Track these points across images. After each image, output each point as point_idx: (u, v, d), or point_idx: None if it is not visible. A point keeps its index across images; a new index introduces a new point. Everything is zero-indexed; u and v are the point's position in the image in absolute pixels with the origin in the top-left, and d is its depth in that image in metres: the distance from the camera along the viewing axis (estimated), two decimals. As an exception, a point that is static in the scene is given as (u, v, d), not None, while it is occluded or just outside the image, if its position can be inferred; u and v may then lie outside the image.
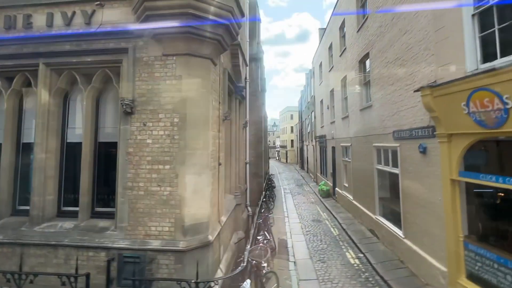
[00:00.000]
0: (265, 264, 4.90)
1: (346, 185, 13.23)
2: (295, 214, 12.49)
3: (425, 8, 6.07)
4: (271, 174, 23.81)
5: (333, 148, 16.18)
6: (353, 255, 7.74)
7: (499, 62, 4.33)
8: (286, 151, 59.94)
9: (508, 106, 4.04)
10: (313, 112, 25.04)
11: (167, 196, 4.86)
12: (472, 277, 4.93)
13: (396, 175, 7.51)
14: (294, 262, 7.30)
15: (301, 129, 38.70)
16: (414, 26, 6.57)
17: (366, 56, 10.13)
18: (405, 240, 6.95)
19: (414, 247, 6.52)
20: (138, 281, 4.43)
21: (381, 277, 6.41)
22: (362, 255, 7.71)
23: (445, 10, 5.49)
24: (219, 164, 6.08)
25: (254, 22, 12.99)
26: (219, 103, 6.20)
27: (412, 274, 6.37)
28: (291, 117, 60.08)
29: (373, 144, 9.20)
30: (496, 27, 4.49)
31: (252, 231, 7.24)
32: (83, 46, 5.31)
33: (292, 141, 57.87)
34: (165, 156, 4.93)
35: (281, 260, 7.36)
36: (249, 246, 5.45)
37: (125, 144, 5.04)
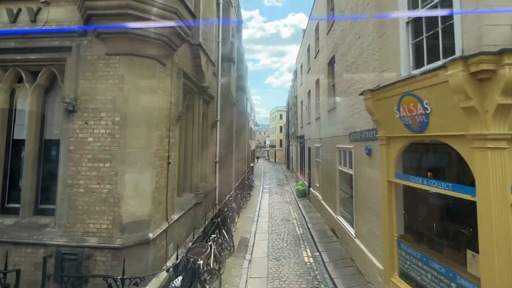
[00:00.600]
0: (201, 262, 4.97)
1: (318, 185, 13.43)
2: (267, 214, 12.62)
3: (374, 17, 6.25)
4: (251, 174, 23.90)
5: (309, 148, 16.39)
6: (309, 254, 7.90)
7: (426, 68, 4.51)
8: (275, 151, 60.17)
9: (428, 112, 4.22)
10: (296, 113, 25.26)
11: (106, 193, 4.92)
12: (403, 275, 5.13)
13: (352, 176, 7.70)
14: (250, 261, 7.41)
15: (288, 129, 38.91)
16: (365, 31, 6.75)
17: (333, 59, 10.31)
18: (356, 240, 7.13)
19: (362, 246, 6.71)
20: (72, 278, 4.48)
21: (329, 275, 6.57)
22: (318, 254, 7.88)
23: (387, 18, 5.66)
24: (169, 163, 6.15)
25: (228, 21, 13.02)
26: (171, 102, 6.26)
27: (358, 272, 6.56)
28: (280, 117, 60.24)
29: (336, 145, 9.38)
30: (424, 34, 4.68)
31: (202, 229, 7.28)
32: (28, 43, 5.33)
33: (281, 140, 58.07)
34: (106, 154, 4.99)
35: (237, 259, 7.46)
36: (190, 244, 5.51)
37: (67, 142, 5.08)
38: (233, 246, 7.97)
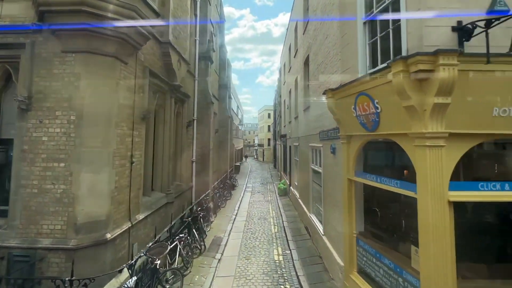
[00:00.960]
0: (159, 262, 4.93)
1: (296, 183, 13.54)
2: (245, 213, 12.63)
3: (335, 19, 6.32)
4: (235, 173, 23.85)
5: (290, 147, 16.49)
6: (280, 252, 7.96)
7: (378, 68, 4.60)
8: (263, 150, 60.27)
9: (378, 111, 4.30)
10: (280, 111, 25.36)
11: (60, 194, 4.82)
12: (361, 271, 5.22)
13: (321, 174, 7.79)
14: (219, 260, 7.41)
15: (275, 128, 39.02)
16: (331, 31, 6.83)
17: (308, 58, 10.39)
18: (324, 237, 7.22)
19: (328, 244, 6.80)
20: (21, 280, 4.38)
21: (296, 273, 6.63)
22: (289, 252, 7.94)
23: (348, 17, 5.74)
24: (132, 162, 6.08)
25: (206, 21, 12.95)
26: (134, 101, 6.18)
27: (324, 270, 6.64)
28: (268, 116, 60.38)
29: (309, 144, 9.47)
30: (379, 35, 4.76)
31: (167, 229, 7.19)
32: (-19, 39, 5.18)
33: (269, 139, 58.21)
34: (61, 154, 4.89)
35: (206, 258, 7.45)
36: (150, 244, 5.46)
37: (20, 141, 4.96)
38: (204, 246, 7.94)
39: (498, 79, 3.38)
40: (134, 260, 4.76)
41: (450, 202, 3.42)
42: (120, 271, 4.52)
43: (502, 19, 3.12)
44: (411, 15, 3.88)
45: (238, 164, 31.08)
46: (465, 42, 3.52)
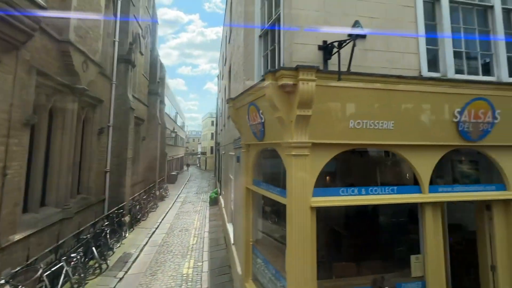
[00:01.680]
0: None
1: (223, 192, 13.45)
2: (168, 225, 12.02)
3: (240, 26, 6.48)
4: (167, 183, 22.78)
5: (220, 155, 16.42)
6: (191, 265, 7.68)
7: (260, 80, 4.76)
8: (206, 158, 59.21)
9: (263, 120, 4.44)
10: (216, 119, 25.25)
11: None
12: (255, 279, 5.27)
13: (233, 182, 7.80)
14: (121, 278, 6.81)
15: (216, 135, 38.69)
16: (240, 42, 6.98)
17: (230, 67, 10.51)
18: (233, 247, 7.20)
19: (235, 253, 6.78)
20: None
21: (201, 285, 6.43)
22: (201, 263, 7.71)
23: (250, 30, 5.92)
24: (5, 174, 5.23)
25: (127, 21, 12.26)
26: (11, 105, 5.38)
27: (230, 280, 6.59)
28: (212, 123, 59.73)
29: (229, 152, 9.48)
30: (269, 48, 4.97)
31: (49, 249, 6.32)
32: None
33: (212, 147, 57.45)
34: None
35: (106, 278, 6.78)
36: (13, 270, 4.72)
37: None
38: (107, 264, 7.23)
39: (352, 94, 3.76)
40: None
41: (312, 208, 3.63)
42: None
43: (347, 41, 3.48)
44: (284, 32, 4.13)
45: (175, 173, 29.85)
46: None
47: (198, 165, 68.14)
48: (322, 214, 6.16)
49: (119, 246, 8.80)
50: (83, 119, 9.05)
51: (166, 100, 26.19)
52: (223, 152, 13.43)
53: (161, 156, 19.91)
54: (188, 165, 59.40)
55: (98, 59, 9.04)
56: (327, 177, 6.75)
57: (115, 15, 11.48)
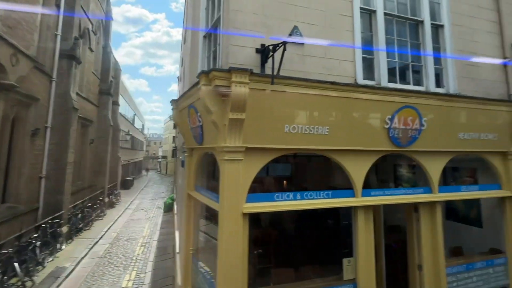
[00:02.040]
0: None
1: (178, 198, 12.95)
2: (114, 234, 11.20)
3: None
4: (120, 189, 21.41)
5: (177, 159, 15.85)
6: (133, 277, 7.17)
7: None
8: (167, 162, 57.07)
9: (201, 124, 4.27)
10: (177, 123, 24.49)
11: None
12: (195, 289, 5.02)
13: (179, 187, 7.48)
14: (47, 297, 6.09)
15: (174, 139, 37.53)
16: (189, 43, 6.77)
17: (184, 68, 10.20)
18: (178, 255, 6.86)
19: (178, 262, 6.45)
20: None
21: (140, 299, 5.98)
22: (144, 275, 7.22)
23: (195, 30, 5.74)
24: None
25: (73, 15, 11.36)
26: None
27: (172, 291, 6.23)
28: (174, 126, 57.97)
29: (179, 157, 9.12)
30: (212, 49, 4.84)
31: None
32: None
33: (173, 151, 55.63)
34: None
35: (29, 296, 6.02)
36: None
37: None
38: (32, 281, 6.44)
39: (287, 99, 3.75)
40: None
41: (245, 214, 3.53)
42: None
43: (279, 45, 3.47)
44: (223, 33, 4.03)
45: (131, 178, 28.25)
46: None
47: (159, 170, 65.46)
48: (265, 220, 6.14)
49: (51, 260, 7.93)
50: (12, 118, 8.09)
51: (122, 101, 24.80)
52: (179, 156, 12.95)
53: (113, 160, 18.67)
54: (147, 170, 56.81)
55: (33, 53, 8.19)
56: (285, 182, 6.78)
57: (58, 6, 10.56)
